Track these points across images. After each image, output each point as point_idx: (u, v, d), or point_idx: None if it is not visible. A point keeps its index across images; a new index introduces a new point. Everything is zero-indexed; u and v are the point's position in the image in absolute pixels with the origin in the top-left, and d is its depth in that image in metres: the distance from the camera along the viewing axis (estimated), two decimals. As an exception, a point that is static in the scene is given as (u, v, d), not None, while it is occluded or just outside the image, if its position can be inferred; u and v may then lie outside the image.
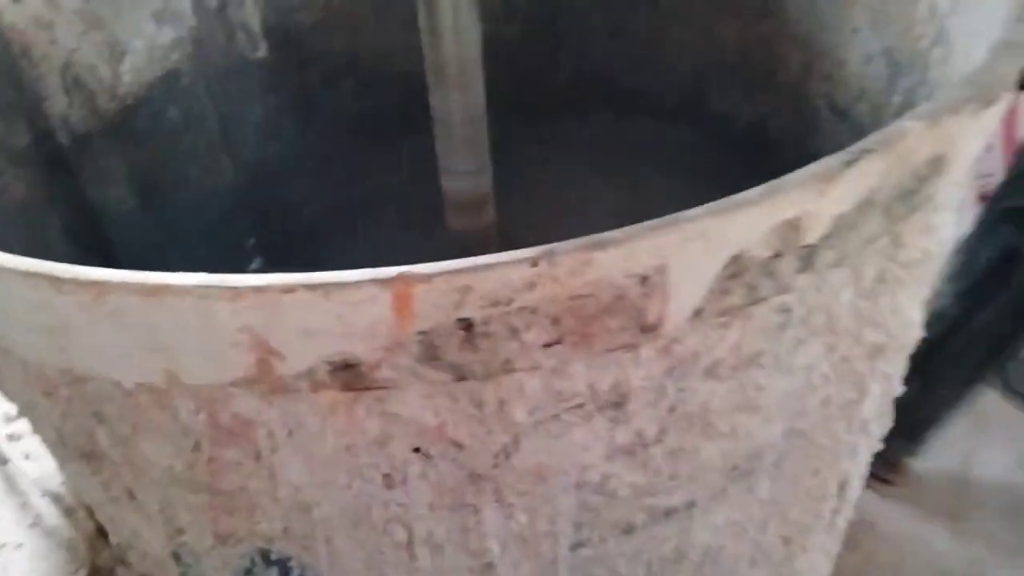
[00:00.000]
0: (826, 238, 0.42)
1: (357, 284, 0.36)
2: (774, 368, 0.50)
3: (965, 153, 0.49)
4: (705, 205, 0.37)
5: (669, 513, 0.56)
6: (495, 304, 0.37)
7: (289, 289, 0.36)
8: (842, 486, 0.72)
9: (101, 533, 0.86)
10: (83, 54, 0.81)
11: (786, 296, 0.44)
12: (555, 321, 0.39)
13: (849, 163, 0.39)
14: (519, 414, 0.43)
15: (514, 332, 0.39)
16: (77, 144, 0.85)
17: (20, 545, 0.91)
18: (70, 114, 0.83)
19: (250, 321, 0.37)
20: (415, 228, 0.99)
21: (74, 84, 0.82)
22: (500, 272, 0.36)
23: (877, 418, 0.70)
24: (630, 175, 1.16)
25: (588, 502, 0.52)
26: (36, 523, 0.93)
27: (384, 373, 0.40)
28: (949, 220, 0.59)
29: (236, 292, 0.36)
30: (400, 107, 1.15)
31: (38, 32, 0.77)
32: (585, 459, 0.48)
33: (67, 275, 0.38)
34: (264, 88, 1.05)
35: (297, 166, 1.11)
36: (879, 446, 0.83)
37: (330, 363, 0.39)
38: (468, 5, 0.71)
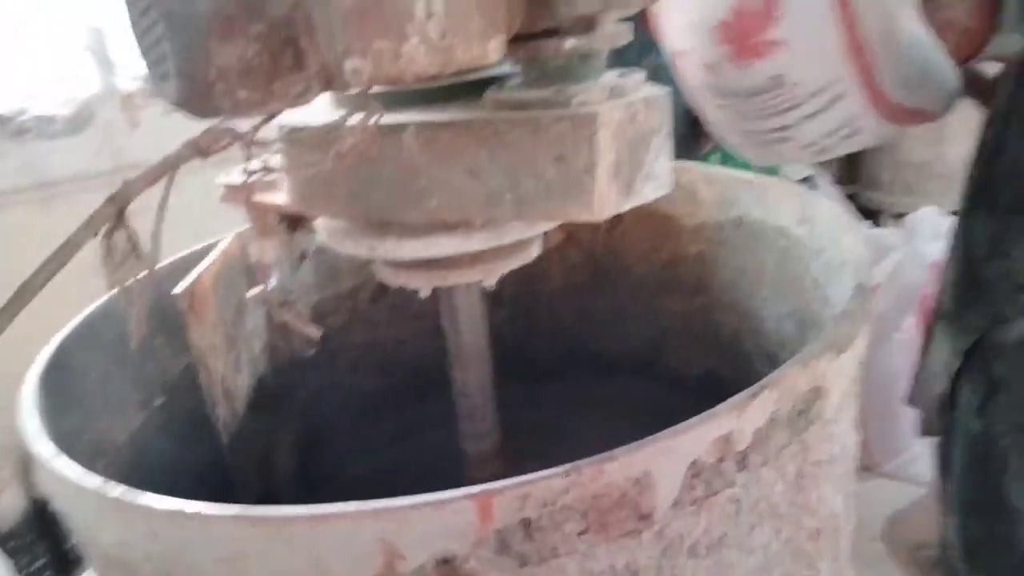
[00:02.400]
0: (751, 446, 0.64)
1: (458, 499, 0.56)
2: (738, 548, 0.68)
3: (839, 383, 0.73)
4: (669, 428, 0.59)
5: None
6: (544, 505, 0.57)
7: (416, 507, 0.56)
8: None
9: None
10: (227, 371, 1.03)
11: (734, 489, 0.65)
12: (584, 515, 0.59)
13: (754, 395, 0.62)
14: (563, 592, 0.61)
15: (558, 525, 0.58)
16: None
17: None
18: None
19: (385, 532, 0.57)
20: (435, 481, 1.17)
21: (227, 393, 1.04)
22: (547, 482, 0.57)
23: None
24: (608, 423, 1.38)
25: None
26: None
27: (471, 565, 0.58)
28: (846, 430, 0.82)
29: (378, 512, 0.56)
30: (413, 383, 1.39)
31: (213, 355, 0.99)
32: (613, 629, 0.65)
33: (259, 513, 0.57)
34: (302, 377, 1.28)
35: (330, 438, 1.32)
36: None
37: (435, 559, 0.58)
38: (479, 307, 0.96)
